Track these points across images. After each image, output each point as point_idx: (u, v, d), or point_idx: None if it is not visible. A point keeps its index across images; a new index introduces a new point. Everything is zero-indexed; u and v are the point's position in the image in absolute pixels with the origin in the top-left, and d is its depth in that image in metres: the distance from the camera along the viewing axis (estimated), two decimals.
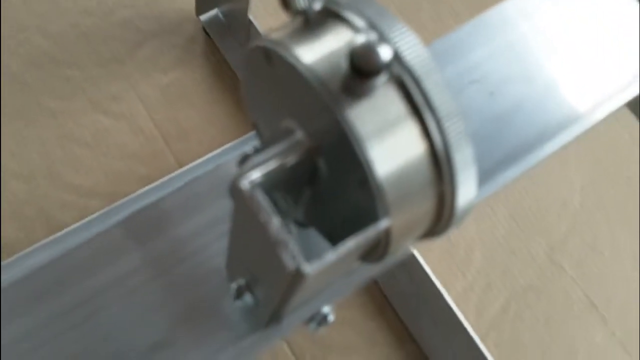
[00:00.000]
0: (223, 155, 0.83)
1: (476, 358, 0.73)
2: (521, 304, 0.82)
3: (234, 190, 0.30)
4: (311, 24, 0.32)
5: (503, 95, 0.48)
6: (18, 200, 0.80)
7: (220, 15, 0.88)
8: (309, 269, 0.29)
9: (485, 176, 0.45)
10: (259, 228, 0.30)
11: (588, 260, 0.86)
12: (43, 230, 0.80)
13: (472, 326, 0.73)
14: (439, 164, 0.30)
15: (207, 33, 0.89)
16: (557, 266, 0.85)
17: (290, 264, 0.29)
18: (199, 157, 0.83)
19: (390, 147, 0.29)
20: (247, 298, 0.37)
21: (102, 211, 0.79)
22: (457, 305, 0.74)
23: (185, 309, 0.39)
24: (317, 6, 0.32)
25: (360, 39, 0.28)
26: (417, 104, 0.30)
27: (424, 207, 0.31)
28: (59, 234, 0.77)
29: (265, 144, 0.33)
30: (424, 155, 0.30)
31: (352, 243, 0.29)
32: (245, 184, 0.30)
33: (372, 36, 0.29)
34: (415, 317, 0.78)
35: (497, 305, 0.82)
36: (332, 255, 0.29)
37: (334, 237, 0.36)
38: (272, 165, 0.30)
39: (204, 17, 0.88)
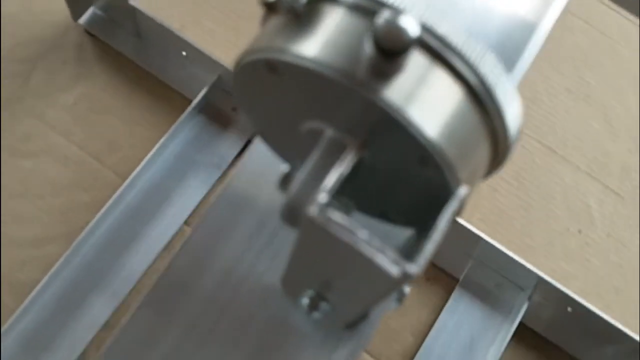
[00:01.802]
0: (161, 151, 0.79)
1: (469, 238, 0.75)
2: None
3: (305, 220, 0.28)
4: (302, 18, 0.30)
5: None
6: None
7: (99, 12, 0.82)
8: (416, 268, 0.28)
9: None
10: (337, 246, 0.28)
11: (531, 111, 0.88)
12: (11, 296, 0.75)
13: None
14: (483, 103, 0.29)
15: (92, 35, 0.83)
16: None
17: (394, 270, 0.28)
18: (137, 162, 0.79)
19: (436, 113, 0.28)
20: (324, 306, 0.36)
21: (65, 254, 0.75)
22: None
23: (259, 339, 0.38)
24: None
25: (380, 19, 0.26)
26: (445, 58, 0.28)
27: (482, 152, 0.31)
28: (32, 294, 0.73)
29: (303, 159, 0.31)
30: (466, 102, 0.29)
31: (443, 224, 0.28)
32: (316, 211, 0.28)
33: (387, 13, 0.27)
34: None
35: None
36: (431, 245, 0.28)
37: (392, 217, 0.35)
38: (332, 180, 0.29)
39: (82, 20, 0.82)
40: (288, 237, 0.39)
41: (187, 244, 0.39)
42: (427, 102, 0.28)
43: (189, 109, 0.80)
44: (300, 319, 0.38)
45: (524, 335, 0.78)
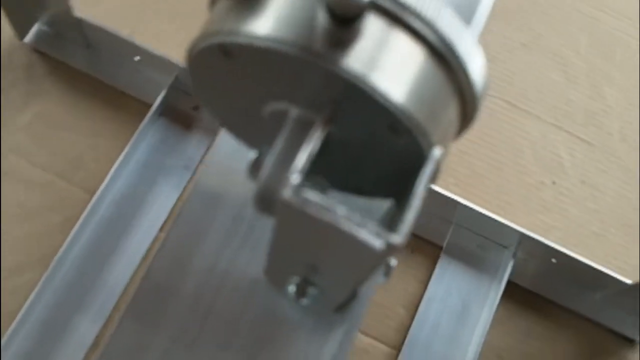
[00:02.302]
0: (127, 161, 0.78)
1: (446, 204, 0.75)
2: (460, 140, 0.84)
3: (281, 204, 0.28)
4: None
5: None
6: None
7: (45, 28, 0.80)
8: (399, 238, 0.27)
9: None
10: (317, 226, 0.28)
11: (489, 70, 0.88)
12: None
13: None
14: (446, 60, 0.29)
15: (40, 52, 0.81)
16: None
17: (377, 243, 0.27)
18: (104, 175, 0.78)
19: (401, 77, 0.28)
20: (312, 291, 0.36)
21: (43, 277, 0.73)
22: None
23: (249, 335, 0.37)
24: None
25: None
26: (401, 19, 0.28)
27: (451, 111, 0.30)
28: (14, 323, 0.71)
29: (270, 141, 0.30)
30: (429, 61, 0.28)
31: (421, 189, 0.28)
32: (289, 193, 0.27)
33: None
34: None
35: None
36: (411, 213, 0.28)
37: (368, 190, 0.35)
38: (302, 159, 0.28)
39: (28, 38, 0.80)
40: (266, 227, 0.39)
41: (163, 247, 0.38)
42: (389, 66, 0.27)
43: (150, 113, 0.79)
44: (289, 308, 0.38)
45: (513, 292, 0.78)
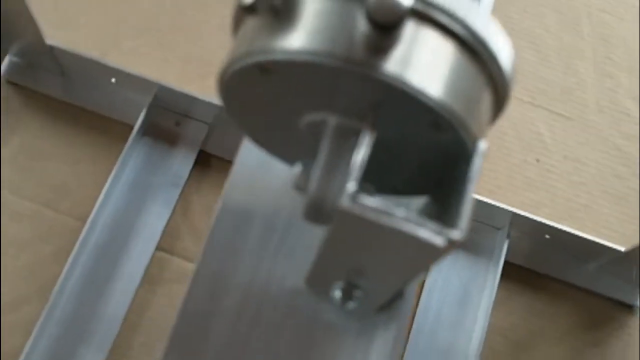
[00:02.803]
0: (114, 184, 0.77)
1: None
2: None
3: (339, 214, 0.28)
4: (282, 13, 0.29)
5: None
6: None
7: (17, 59, 0.78)
8: (459, 233, 0.28)
9: None
10: (377, 231, 0.28)
11: None
12: None
13: None
14: (477, 53, 0.30)
15: (14, 84, 0.79)
16: None
17: (439, 240, 0.28)
18: (92, 200, 0.76)
19: (438, 74, 0.28)
20: (358, 294, 0.36)
21: (45, 309, 0.72)
22: None
23: (295, 346, 0.37)
24: None
25: None
26: (434, 18, 0.28)
27: (485, 100, 0.31)
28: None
29: (306, 153, 0.30)
30: (461, 56, 0.29)
31: (473, 183, 0.28)
32: (348, 201, 0.27)
33: None
34: None
35: None
36: (467, 207, 0.28)
37: (404, 189, 0.35)
38: (356, 166, 0.28)
39: (1, 71, 0.78)
40: (299, 235, 0.39)
41: (199, 271, 0.38)
42: (426, 65, 0.28)
43: (133, 134, 0.78)
44: (333, 313, 0.38)
45: (510, 272, 0.79)
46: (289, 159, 0.36)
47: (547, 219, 0.77)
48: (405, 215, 0.27)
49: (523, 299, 0.80)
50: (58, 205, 0.78)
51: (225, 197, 0.39)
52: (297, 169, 0.31)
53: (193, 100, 0.78)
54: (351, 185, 0.27)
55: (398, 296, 0.36)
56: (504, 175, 0.84)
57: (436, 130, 0.29)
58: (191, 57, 0.85)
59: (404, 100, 0.28)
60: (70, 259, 0.73)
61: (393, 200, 0.34)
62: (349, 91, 0.28)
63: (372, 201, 0.28)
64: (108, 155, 0.79)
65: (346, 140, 0.30)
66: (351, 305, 0.36)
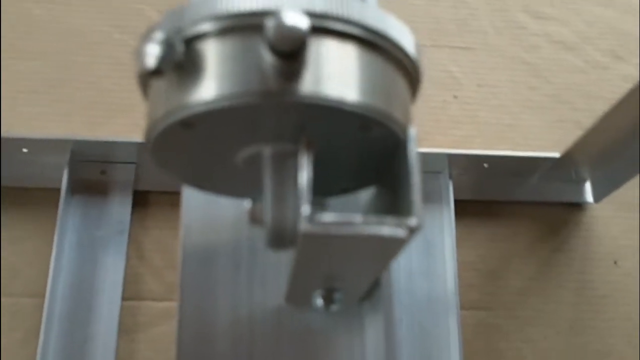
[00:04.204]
0: (60, 251, 0.75)
1: None
2: None
3: (303, 238, 0.28)
4: (186, 66, 0.29)
5: None
6: None
7: None
8: (416, 220, 0.29)
9: None
10: (341, 242, 0.29)
11: None
12: None
13: None
14: (379, 46, 0.30)
15: None
16: None
17: (401, 232, 0.29)
18: (44, 274, 0.75)
19: (354, 79, 0.29)
20: (338, 296, 0.37)
21: None
22: None
23: (298, 355, 0.38)
24: (179, 48, 0.29)
25: (269, 29, 0.26)
26: (333, 29, 0.29)
27: (402, 86, 0.32)
28: None
29: (249, 183, 0.31)
30: (368, 54, 0.30)
31: (416, 169, 0.29)
32: (308, 225, 0.28)
33: (271, 21, 0.27)
34: None
35: None
36: (417, 192, 0.29)
37: (352, 187, 0.36)
38: (304, 189, 0.29)
39: None
40: (266, 259, 0.39)
41: (182, 315, 0.38)
42: (339, 75, 0.29)
43: (62, 196, 0.76)
44: (320, 320, 0.39)
45: (462, 209, 0.82)
46: (235, 194, 0.36)
47: (480, 149, 0.79)
48: (363, 219, 0.28)
49: (482, 230, 0.83)
50: (11, 288, 0.76)
51: (184, 242, 0.39)
52: (247, 204, 0.32)
53: (112, 145, 0.76)
54: (305, 209, 0.28)
55: (375, 285, 0.37)
56: (429, 121, 0.85)
57: (366, 130, 0.30)
58: (91, 102, 0.83)
59: (328, 113, 0.28)
60: (41, 338, 0.72)
61: (342, 200, 0.35)
62: (275, 121, 0.29)
63: (329, 217, 0.28)
64: (46, 225, 0.78)
65: (286, 165, 0.30)
66: (334, 307, 0.37)
